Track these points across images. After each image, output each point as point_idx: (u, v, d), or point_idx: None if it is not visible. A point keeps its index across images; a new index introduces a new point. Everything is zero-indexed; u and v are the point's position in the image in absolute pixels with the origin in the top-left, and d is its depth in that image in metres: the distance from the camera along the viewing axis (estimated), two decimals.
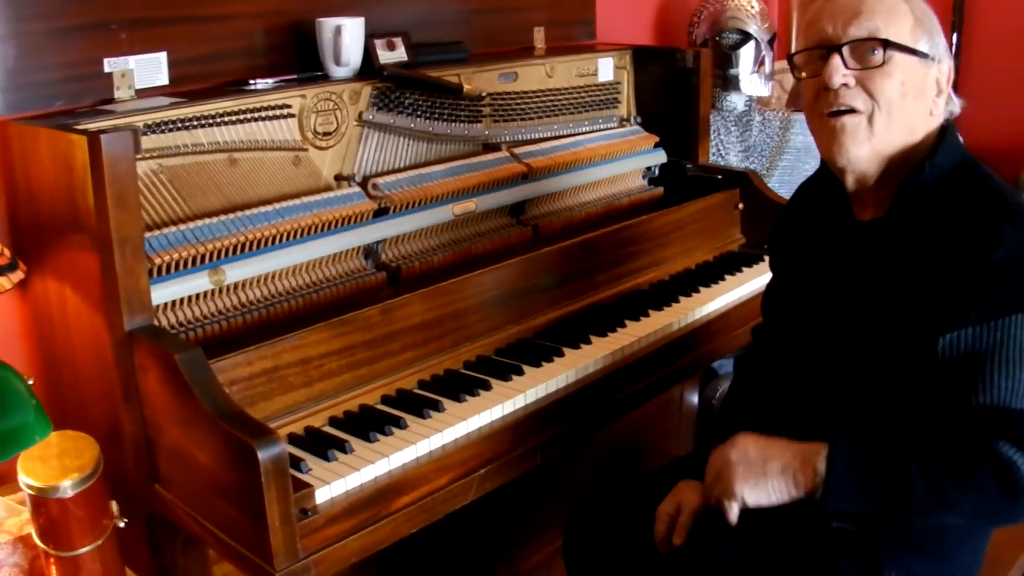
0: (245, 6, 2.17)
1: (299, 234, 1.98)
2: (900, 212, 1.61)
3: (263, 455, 1.42)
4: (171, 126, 1.88)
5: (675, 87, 2.84)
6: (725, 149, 3.36)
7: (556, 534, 2.73)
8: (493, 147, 2.48)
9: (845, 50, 1.57)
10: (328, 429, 1.78)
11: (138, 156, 1.66)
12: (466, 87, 2.32)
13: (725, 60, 3.28)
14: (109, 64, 1.94)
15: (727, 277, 2.54)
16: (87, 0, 1.91)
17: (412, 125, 2.30)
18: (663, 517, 1.82)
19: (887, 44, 1.55)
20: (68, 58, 1.90)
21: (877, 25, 1.56)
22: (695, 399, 3.21)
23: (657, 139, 2.85)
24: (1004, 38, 3.47)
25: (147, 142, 1.82)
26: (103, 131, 1.61)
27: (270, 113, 2.03)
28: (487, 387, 1.91)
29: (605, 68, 2.82)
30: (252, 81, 2.09)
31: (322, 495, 1.57)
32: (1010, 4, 3.53)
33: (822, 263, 1.74)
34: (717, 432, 1.93)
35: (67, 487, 1.51)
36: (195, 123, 1.91)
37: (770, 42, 3.33)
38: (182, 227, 1.83)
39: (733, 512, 1.60)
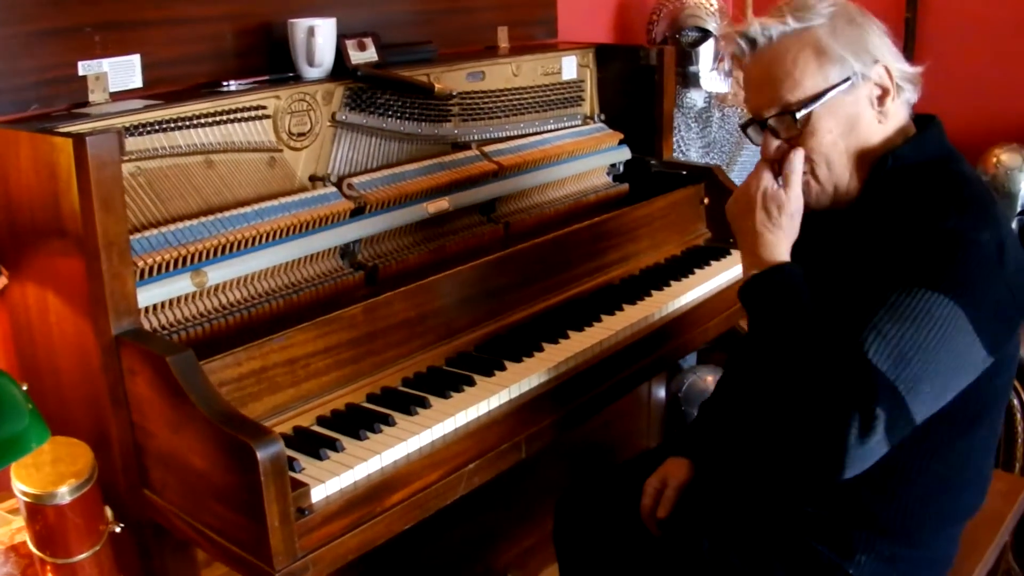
0: (215, 8, 2.16)
1: (279, 235, 1.98)
2: (867, 200, 1.65)
3: (262, 455, 1.42)
4: (148, 128, 1.87)
5: (638, 84, 2.87)
6: (686, 145, 3.40)
7: (530, 529, 2.78)
8: (462, 146, 2.50)
9: (769, 124, 1.63)
10: (317, 428, 1.78)
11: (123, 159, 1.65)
12: (437, 87, 2.33)
13: (685, 57, 3.32)
14: (83, 67, 1.92)
15: (696, 271, 2.57)
16: (60, 3, 1.89)
17: (384, 125, 2.31)
18: (649, 491, 1.91)
19: (796, 110, 1.59)
20: (42, 62, 1.88)
21: (781, 95, 1.60)
22: (663, 393, 3.25)
23: (621, 136, 2.88)
24: (957, 23, 3.56)
25: (126, 145, 1.81)
26: (88, 133, 1.59)
27: (246, 114, 2.03)
28: (471, 383, 1.93)
29: (569, 66, 2.85)
30: (225, 83, 2.09)
31: (317, 494, 1.57)
32: None
33: (812, 252, 1.78)
34: (708, 414, 1.99)
35: (64, 493, 1.50)
36: (172, 125, 1.91)
37: None
38: (163, 230, 1.83)
39: None
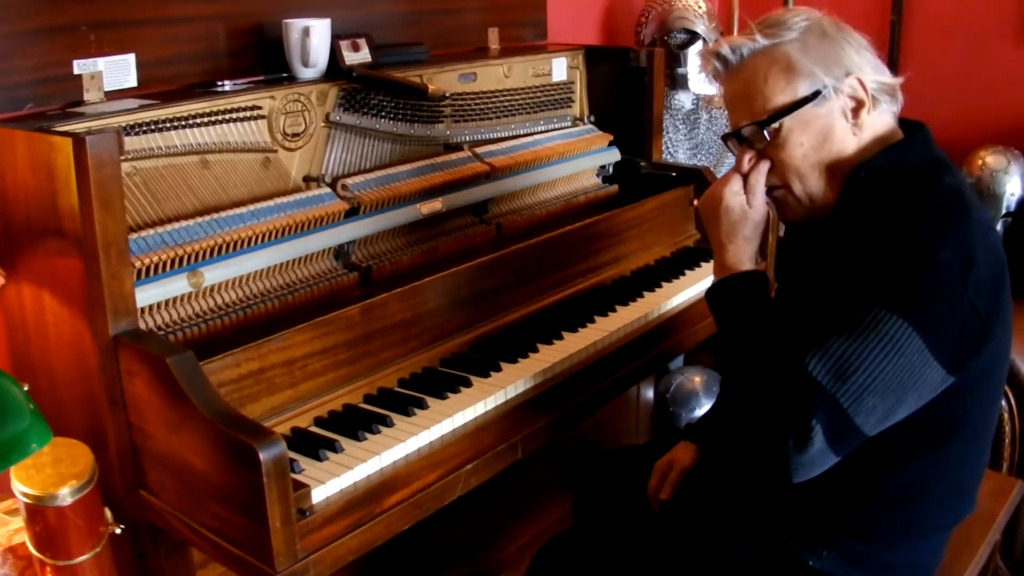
0: (209, 7, 2.15)
1: (274, 235, 1.98)
2: (842, 211, 1.65)
3: (264, 456, 1.42)
4: (144, 128, 1.86)
5: (628, 86, 2.88)
6: (674, 147, 3.41)
7: (522, 529, 2.78)
8: (455, 147, 2.50)
9: (744, 132, 1.66)
10: (315, 429, 1.78)
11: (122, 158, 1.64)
12: (430, 88, 2.33)
13: (673, 59, 3.33)
14: (78, 66, 1.92)
15: (686, 272, 2.58)
16: (55, 1, 1.89)
17: (377, 126, 2.31)
18: (657, 472, 2.00)
19: (764, 124, 1.61)
20: (37, 60, 1.87)
21: (752, 109, 1.63)
22: (651, 394, 3.26)
23: (611, 137, 2.89)
24: (942, 25, 3.59)
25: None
26: (88, 133, 1.59)
27: (241, 115, 2.02)
28: (467, 384, 1.93)
29: (559, 68, 2.85)
30: (220, 83, 2.08)
31: (318, 495, 1.57)
32: None
33: (795, 260, 1.81)
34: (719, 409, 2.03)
35: (65, 495, 1.49)
36: (168, 125, 1.90)
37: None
38: (159, 230, 1.82)
39: None
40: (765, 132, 1.62)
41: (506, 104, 2.69)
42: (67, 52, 1.91)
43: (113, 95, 1.97)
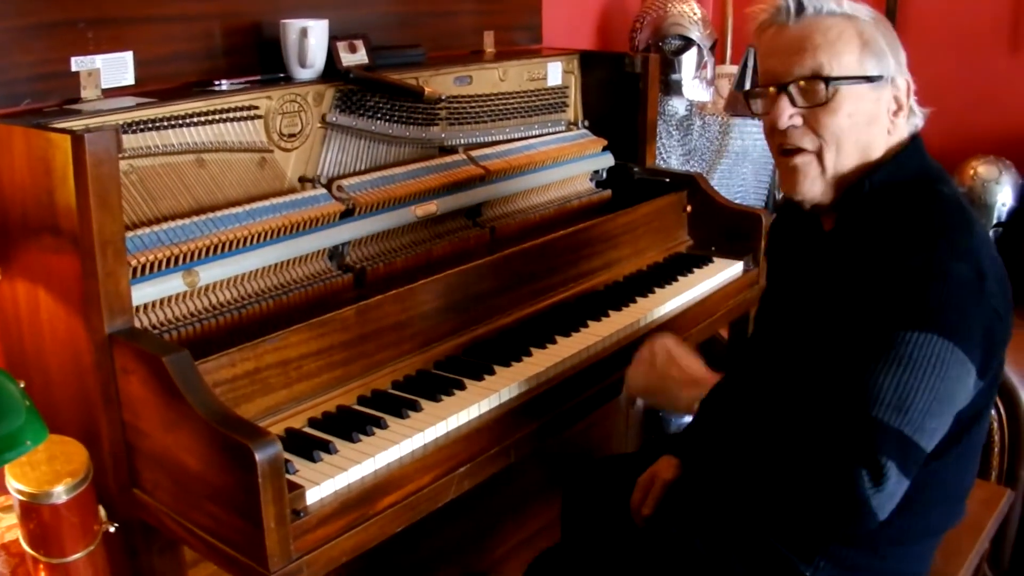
0: (207, 6, 2.15)
1: (270, 235, 1.98)
2: (846, 223, 1.66)
3: (260, 456, 1.42)
4: (142, 126, 1.86)
5: (622, 91, 2.89)
6: (667, 153, 3.42)
7: (512, 531, 2.78)
8: (450, 150, 2.50)
9: (792, 88, 1.60)
10: (309, 430, 1.77)
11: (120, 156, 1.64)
12: (426, 90, 2.33)
13: (667, 65, 3.34)
14: (76, 63, 1.91)
15: (679, 278, 2.59)
16: None
17: (373, 127, 2.31)
18: (640, 486, 1.96)
19: (830, 80, 1.58)
20: (34, 57, 1.86)
21: (820, 62, 1.58)
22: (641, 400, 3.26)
23: (605, 142, 2.89)
24: (935, 36, 3.61)
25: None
26: (86, 130, 1.59)
27: (238, 114, 2.02)
28: (461, 387, 1.93)
29: (554, 72, 2.86)
30: (217, 82, 2.08)
31: (312, 496, 1.57)
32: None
33: (795, 271, 1.80)
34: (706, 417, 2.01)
35: (60, 492, 1.49)
36: (165, 124, 1.90)
37: (711, 48, 3.40)
38: (155, 228, 1.82)
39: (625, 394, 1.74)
40: (829, 87, 1.57)
41: (501, 108, 2.69)
42: (65, 49, 1.90)
43: (110, 93, 1.97)
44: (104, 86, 1.95)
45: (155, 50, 2.05)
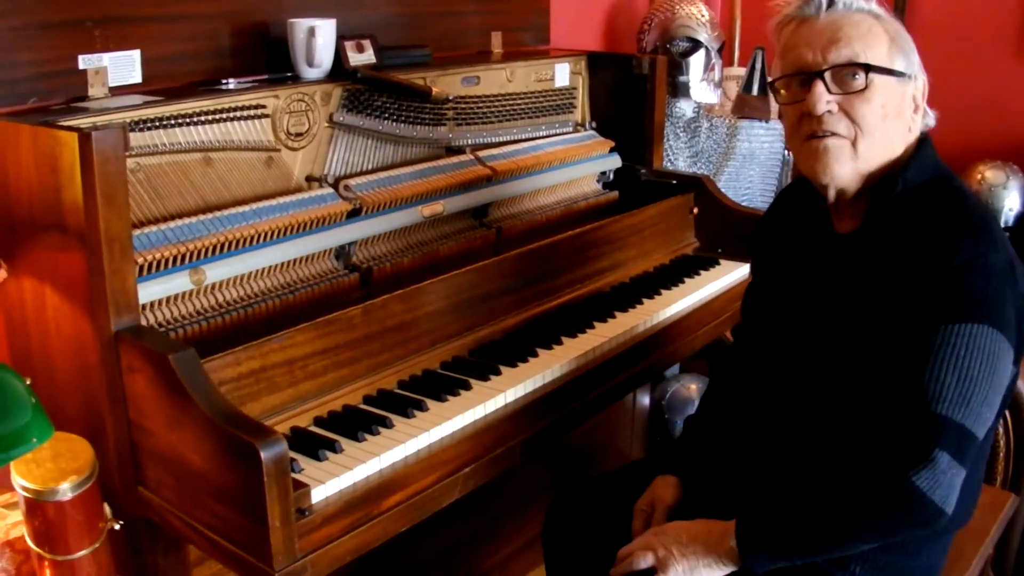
0: (214, 5, 2.15)
1: (277, 234, 1.98)
2: (874, 225, 1.65)
3: (265, 455, 1.42)
4: (148, 125, 1.86)
5: (630, 93, 2.89)
6: (674, 155, 3.42)
7: (514, 534, 2.78)
8: (456, 150, 2.50)
9: (827, 75, 1.60)
10: (315, 429, 1.77)
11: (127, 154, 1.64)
12: (434, 90, 2.33)
13: (675, 67, 3.34)
14: (83, 61, 1.91)
15: (685, 280, 2.58)
16: None
17: (380, 127, 2.31)
18: (639, 513, 1.90)
19: (868, 68, 1.59)
20: (41, 55, 1.87)
21: (856, 50, 1.59)
22: (647, 401, 3.26)
23: (612, 144, 2.89)
24: (943, 40, 3.60)
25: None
26: (93, 128, 1.59)
27: (245, 113, 2.02)
28: (467, 387, 1.93)
29: (561, 73, 2.86)
30: (224, 81, 2.08)
31: (317, 495, 1.57)
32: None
33: (801, 272, 1.78)
34: (695, 429, 1.98)
35: (66, 490, 1.49)
36: (172, 122, 1.90)
37: (719, 50, 3.40)
38: (162, 227, 1.82)
39: None
40: (868, 75, 1.58)
41: (508, 108, 2.69)
42: (72, 47, 1.91)
43: (117, 91, 1.97)
44: (111, 84, 1.96)
45: (162, 49, 2.05)
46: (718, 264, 2.70)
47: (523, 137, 2.72)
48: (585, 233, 2.46)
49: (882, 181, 1.64)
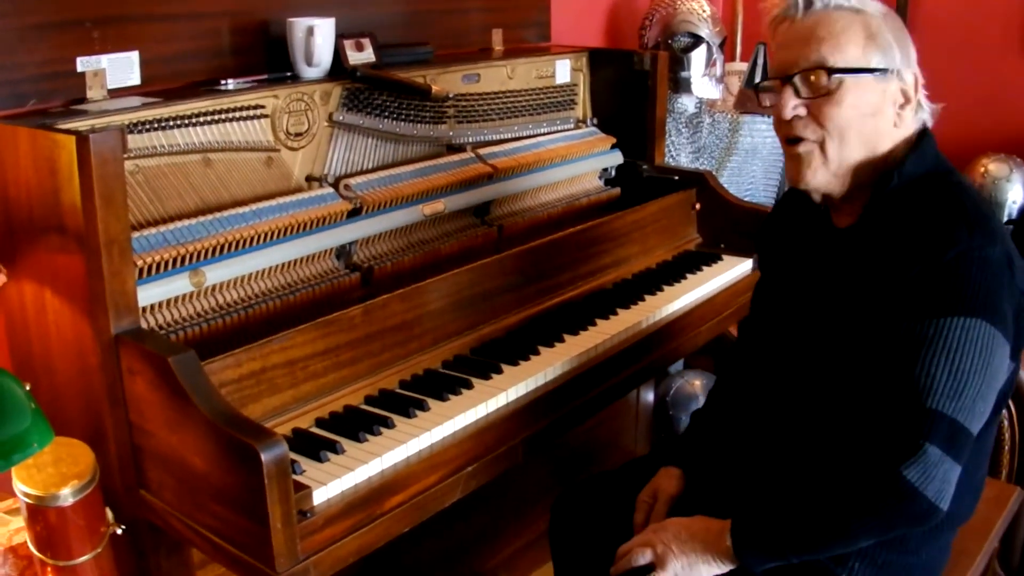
0: (213, 5, 2.15)
1: (277, 235, 1.97)
2: (871, 219, 1.65)
3: (266, 457, 1.41)
4: (147, 126, 1.86)
5: (631, 89, 2.88)
6: (676, 150, 3.41)
7: (518, 532, 2.78)
8: (457, 148, 2.49)
9: (797, 79, 1.62)
10: (316, 430, 1.77)
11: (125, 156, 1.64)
12: (434, 88, 2.32)
13: (676, 63, 3.33)
14: (82, 63, 1.91)
15: (688, 276, 2.58)
16: None
17: (380, 126, 2.30)
18: (641, 505, 1.90)
19: (832, 71, 1.59)
20: (40, 56, 1.86)
21: (824, 53, 1.60)
22: (651, 397, 3.26)
23: (614, 140, 2.88)
24: (947, 33, 3.59)
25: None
26: (91, 130, 1.58)
27: (244, 113, 2.02)
28: (468, 386, 1.92)
29: (562, 70, 2.85)
30: (223, 81, 2.07)
31: (319, 496, 1.56)
32: None
33: (803, 267, 1.79)
34: (701, 423, 1.98)
35: (67, 495, 1.49)
36: (171, 123, 1.90)
37: (721, 45, 3.39)
38: (161, 228, 1.81)
39: None
40: (831, 78, 1.59)
41: (509, 105, 2.69)
42: (71, 49, 1.90)
43: (116, 93, 1.96)
44: (110, 86, 1.95)
45: (161, 49, 2.05)
46: (721, 260, 2.69)
47: (524, 134, 2.71)
48: (587, 230, 2.46)
49: (878, 176, 1.64)
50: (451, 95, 2.42)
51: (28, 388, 1.46)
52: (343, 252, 2.15)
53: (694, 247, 2.83)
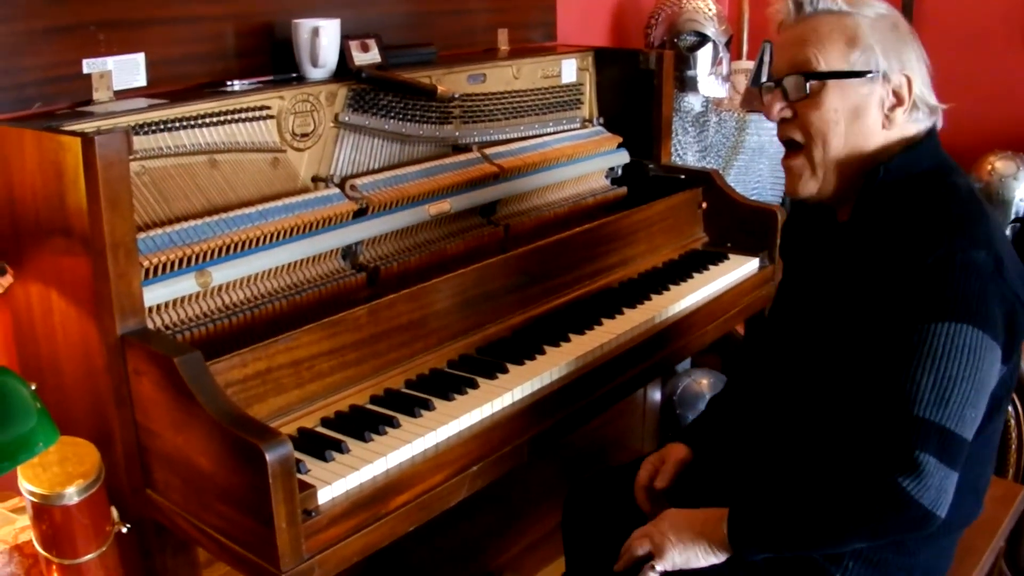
0: (219, 7, 2.16)
1: (283, 235, 1.98)
2: (862, 213, 1.66)
3: (271, 457, 1.42)
4: (153, 128, 1.87)
5: (637, 88, 2.88)
6: (683, 149, 3.41)
7: (525, 530, 2.78)
8: (463, 148, 2.50)
9: (785, 82, 1.66)
10: (321, 430, 1.78)
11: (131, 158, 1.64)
12: (440, 89, 2.33)
13: (682, 62, 3.33)
14: (88, 65, 1.92)
15: (695, 275, 2.58)
16: (64, 0, 1.88)
17: (386, 126, 2.31)
18: (647, 465, 1.93)
19: (810, 75, 1.62)
20: (46, 59, 1.87)
21: (806, 57, 1.63)
22: (658, 396, 3.26)
23: (620, 139, 2.88)
24: (953, 31, 3.58)
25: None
26: (97, 132, 1.59)
27: (250, 115, 2.02)
28: (474, 385, 1.93)
29: (568, 69, 2.85)
30: (229, 82, 2.08)
31: (324, 495, 1.57)
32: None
33: (812, 263, 1.80)
34: (714, 410, 1.99)
35: (72, 494, 1.50)
36: (177, 125, 1.90)
37: (727, 44, 3.39)
38: (167, 229, 1.82)
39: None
40: (808, 85, 1.62)
41: (515, 105, 2.69)
42: (76, 51, 1.91)
43: (122, 94, 1.97)
44: (116, 88, 1.96)
45: (167, 51, 2.06)
46: (727, 259, 2.69)
47: (530, 134, 2.71)
48: (593, 229, 2.46)
49: (867, 171, 1.65)
50: (457, 95, 2.42)
51: (34, 388, 1.47)
52: (349, 252, 2.16)
53: (700, 246, 2.83)
